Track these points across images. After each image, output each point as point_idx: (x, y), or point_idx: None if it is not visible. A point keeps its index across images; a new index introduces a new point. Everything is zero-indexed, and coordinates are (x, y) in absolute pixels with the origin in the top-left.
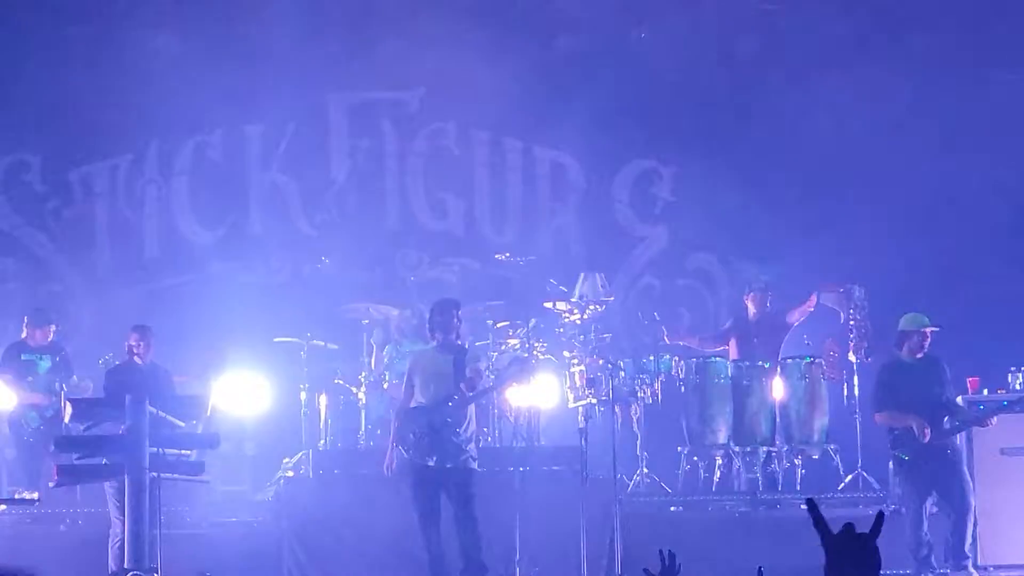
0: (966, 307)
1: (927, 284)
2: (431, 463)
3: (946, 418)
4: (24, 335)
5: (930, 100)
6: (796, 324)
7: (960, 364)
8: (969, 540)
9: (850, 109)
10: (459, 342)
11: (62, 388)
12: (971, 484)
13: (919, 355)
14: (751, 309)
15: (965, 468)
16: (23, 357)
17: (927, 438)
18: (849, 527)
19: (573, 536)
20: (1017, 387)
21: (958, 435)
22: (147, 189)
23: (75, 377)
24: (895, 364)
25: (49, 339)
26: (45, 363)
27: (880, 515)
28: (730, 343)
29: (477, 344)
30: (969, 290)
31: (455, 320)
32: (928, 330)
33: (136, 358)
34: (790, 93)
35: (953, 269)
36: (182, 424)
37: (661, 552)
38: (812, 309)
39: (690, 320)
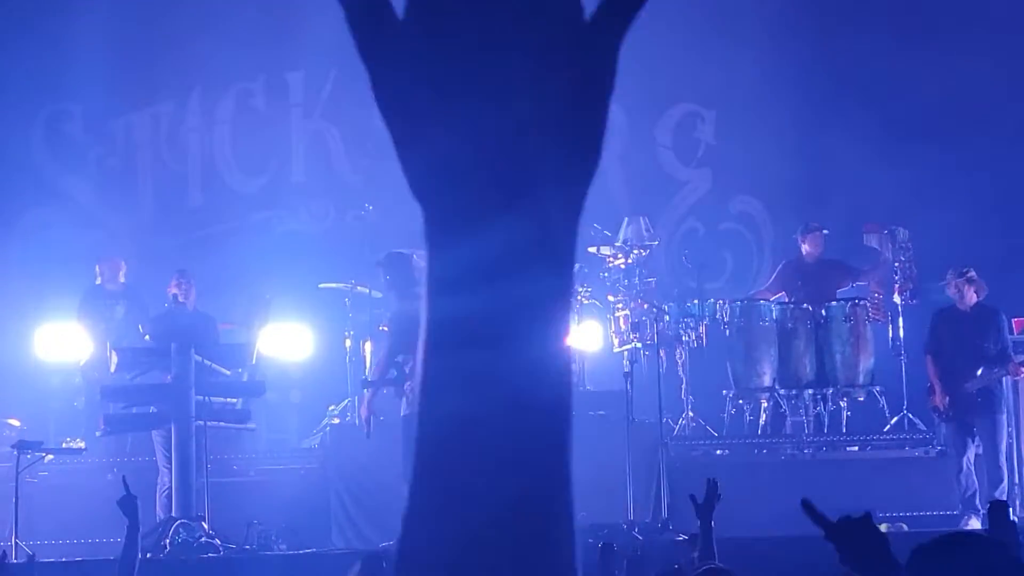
0: (1014, 248)
1: (972, 225)
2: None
3: (981, 370)
4: (98, 280)
5: (977, 38)
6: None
7: (1008, 307)
8: (1003, 486)
9: (896, 48)
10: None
11: (137, 336)
12: (1004, 431)
13: (964, 305)
14: (806, 249)
15: (1001, 416)
16: (99, 303)
17: (940, 409)
18: (845, 517)
19: (619, 480)
20: None
21: (1001, 383)
22: (189, 137)
23: (145, 325)
24: (944, 311)
25: (121, 279)
26: (120, 309)
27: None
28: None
29: None
30: (1018, 231)
31: (412, 271)
32: (952, 280)
33: (180, 301)
34: (833, 33)
35: (1000, 210)
36: (228, 372)
37: (708, 480)
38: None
39: (733, 264)
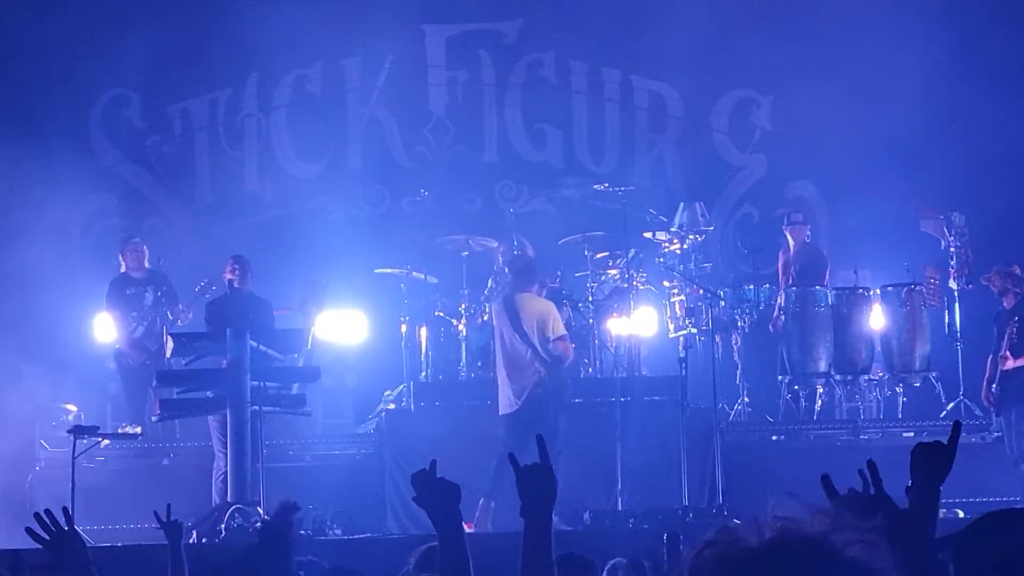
0: None
1: None
2: None
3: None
4: (123, 268)
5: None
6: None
7: None
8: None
9: (950, 32)
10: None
11: (165, 321)
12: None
13: (1007, 302)
14: (790, 240)
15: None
16: (128, 291)
17: (985, 402)
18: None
19: (674, 466)
20: None
21: None
22: (246, 123)
23: (174, 310)
24: (997, 309)
25: (146, 265)
26: (149, 296)
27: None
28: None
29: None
30: None
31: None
32: (989, 277)
33: (235, 287)
34: (887, 21)
35: None
36: (283, 357)
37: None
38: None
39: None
